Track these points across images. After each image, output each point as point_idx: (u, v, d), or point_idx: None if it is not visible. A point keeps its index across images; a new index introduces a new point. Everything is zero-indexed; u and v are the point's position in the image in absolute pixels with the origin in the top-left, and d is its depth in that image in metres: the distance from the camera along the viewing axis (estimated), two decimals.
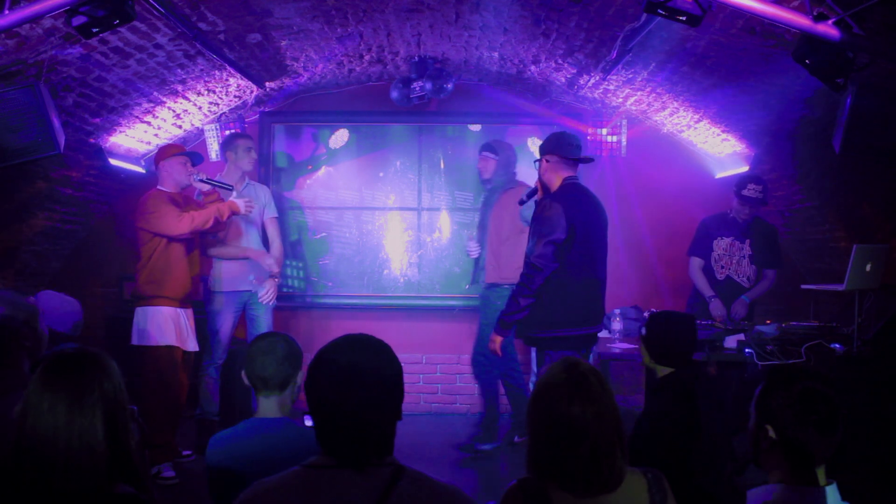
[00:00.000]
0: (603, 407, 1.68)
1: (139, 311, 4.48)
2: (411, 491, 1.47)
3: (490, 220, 5.00)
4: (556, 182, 3.86)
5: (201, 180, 4.63)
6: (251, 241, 5.07)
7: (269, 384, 2.32)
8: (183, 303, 4.57)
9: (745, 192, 4.81)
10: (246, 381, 2.37)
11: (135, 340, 4.45)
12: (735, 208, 4.93)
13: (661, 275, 5.84)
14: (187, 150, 4.95)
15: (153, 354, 4.40)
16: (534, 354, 4.78)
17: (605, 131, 5.73)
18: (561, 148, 3.85)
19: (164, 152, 4.67)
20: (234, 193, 4.78)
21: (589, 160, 4.02)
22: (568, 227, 3.63)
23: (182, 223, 4.42)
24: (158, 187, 4.63)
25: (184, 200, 4.69)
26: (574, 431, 1.66)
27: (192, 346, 4.58)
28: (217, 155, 5.58)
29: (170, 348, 4.43)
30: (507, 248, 4.89)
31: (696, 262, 5.05)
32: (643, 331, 2.98)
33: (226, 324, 4.92)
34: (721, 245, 5.01)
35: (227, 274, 4.97)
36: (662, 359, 2.90)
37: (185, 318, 4.57)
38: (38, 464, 1.55)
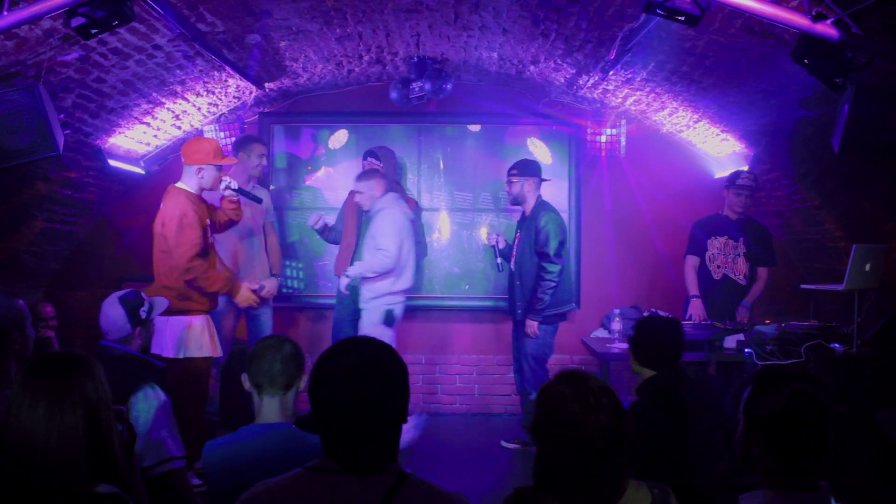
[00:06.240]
0: (618, 420, 1.64)
1: (174, 321, 4.00)
2: (413, 499, 1.45)
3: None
4: (531, 198, 5.01)
5: (233, 190, 4.31)
6: (254, 245, 5.09)
7: (275, 382, 2.29)
8: (208, 310, 4.22)
9: (739, 182, 5.00)
10: (247, 384, 2.34)
11: (168, 353, 4.00)
12: (730, 203, 5.05)
13: (660, 275, 5.84)
14: (224, 155, 4.36)
15: (190, 367, 4.06)
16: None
17: (604, 131, 5.73)
18: (539, 172, 5.08)
19: (204, 154, 4.11)
20: (264, 203, 4.71)
21: (547, 180, 5.23)
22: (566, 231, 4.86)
23: (187, 275, 3.98)
24: (181, 185, 4.16)
25: (206, 204, 4.27)
26: (589, 447, 1.62)
27: (219, 351, 4.26)
28: None
29: (205, 359, 4.14)
30: None
31: (691, 261, 5.13)
32: (630, 333, 3.02)
33: (227, 323, 4.90)
34: (716, 244, 5.09)
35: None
36: (647, 361, 2.93)
37: (212, 323, 4.24)
38: (17, 460, 1.59)
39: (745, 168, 5.19)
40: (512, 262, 5.06)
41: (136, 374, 2.65)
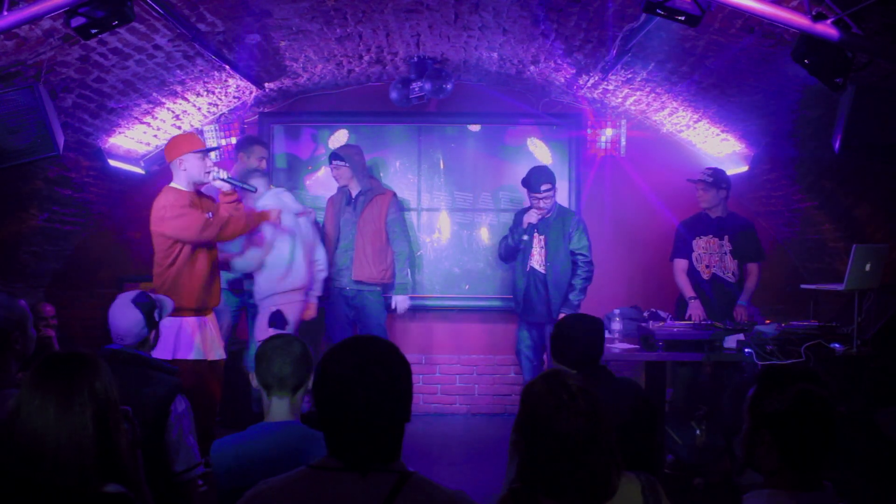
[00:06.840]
0: (593, 418, 1.65)
1: (165, 322, 3.73)
2: (415, 498, 1.45)
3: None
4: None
5: (222, 179, 4.13)
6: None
7: (285, 384, 2.29)
8: (204, 311, 4.12)
9: (695, 177, 5.08)
10: (255, 382, 2.34)
11: (157, 354, 3.81)
12: (699, 198, 5.09)
13: (660, 275, 5.83)
14: (204, 143, 4.45)
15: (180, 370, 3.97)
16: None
17: (604, 131, 5.73)
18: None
19: (179, 146, 4.10)
20: (257, 196, 4.64)
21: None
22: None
23: (208, 231, 3.95)
24: (173, 185, 4.09)
25: (201, 200, 4.17)
26: (566, 444, 1.62)
27: (218, 353, 4.12)
28: (216, 155, 5.58)
29: (196, 363, 3.98)
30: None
31: (680, 264, 5.13)
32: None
33: (224, 322, 4.89)
34: (700, 244, 5.09)
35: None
36: (565, 361, 2.87)
37: (209, 325, 4.12)
38: (27, 461, 1.58)
39: (745, 168, 5.19)
40: (535, 263, 5.03)
41: (167, 381, 2.61)
